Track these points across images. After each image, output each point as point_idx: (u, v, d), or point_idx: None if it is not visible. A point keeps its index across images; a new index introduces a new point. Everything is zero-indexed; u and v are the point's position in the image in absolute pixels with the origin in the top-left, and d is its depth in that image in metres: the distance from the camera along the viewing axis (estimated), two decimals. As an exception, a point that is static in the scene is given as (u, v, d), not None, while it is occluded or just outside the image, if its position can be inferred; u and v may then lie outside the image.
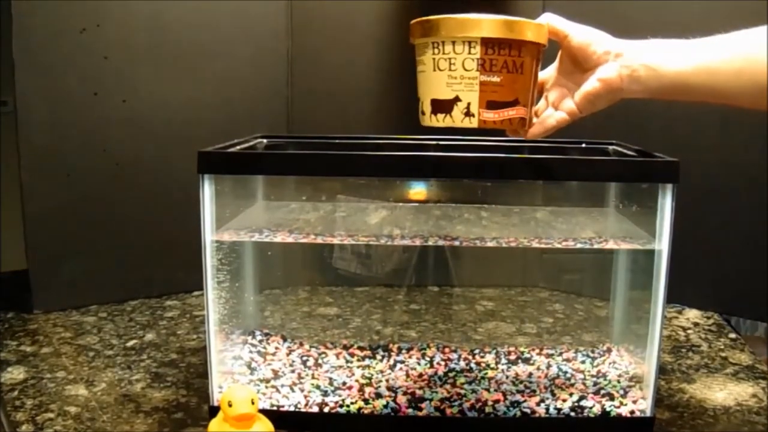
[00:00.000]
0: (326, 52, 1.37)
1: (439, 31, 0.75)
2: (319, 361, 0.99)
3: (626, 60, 0.73)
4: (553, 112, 0.78)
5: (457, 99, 0.76)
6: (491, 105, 0.75)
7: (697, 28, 0.73)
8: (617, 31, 0.76)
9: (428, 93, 0.78)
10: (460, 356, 1.01)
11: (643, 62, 0.73)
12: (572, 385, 0.91)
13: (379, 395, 0.87)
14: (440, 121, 0.77)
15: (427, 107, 0.78)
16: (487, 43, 0.74)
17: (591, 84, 0.75)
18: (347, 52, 1.37)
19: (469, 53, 0.75)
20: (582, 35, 0.75)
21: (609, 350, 1.02)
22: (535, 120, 0.79)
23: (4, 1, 1.11)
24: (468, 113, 0.76)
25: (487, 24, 0.74)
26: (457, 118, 0.76)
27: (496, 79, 0.75)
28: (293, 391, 0.88)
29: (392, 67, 1.37)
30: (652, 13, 1.22)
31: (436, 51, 0.76)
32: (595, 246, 0.89)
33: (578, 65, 0.77)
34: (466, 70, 0.75)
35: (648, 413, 0.84)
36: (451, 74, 0.76)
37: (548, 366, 0.98)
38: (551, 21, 0.76)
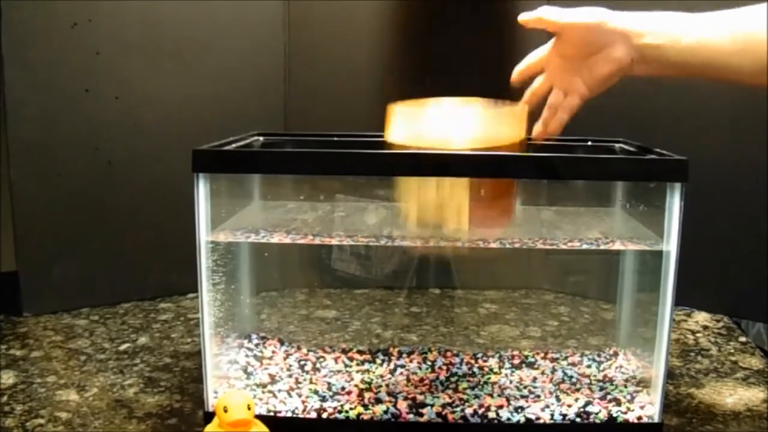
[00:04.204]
0: (324, 48, 1.36)
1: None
2: (317, 365, 0.97)
3: (633, 39, 0.73)
4: (562, 103, 0.78)
5: (447, 206, 0.79)
6: (480, 208, 0.79)
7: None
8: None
9: (415, 199, 0.81)
10: (462, 360, 0.99)
11: (648, 41, 0.73)
12: (578, 389, 0.90)
13: (378, 400, 0.86)
14: (429, 227, 0.80)
15: (413, 213, 0.81)
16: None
17: (601, 68, 0.75)
18: (345, 48, 1.36)
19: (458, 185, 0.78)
20: (579, 29, 0.75)
21: (615, 354, 1.01)
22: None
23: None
24: (458, 219, 0.79)
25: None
26: (447, 224, 0.80)
27: (484, 196, 0.79)
28: (290, 396, 0.87)
29: (392, 62, 1.36)
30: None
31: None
32: (602, 247, 0.87)
33: (582, 49, 0.76)
34: (454, 195, 0.79)
35: (656, 419, 0.83)
36: (440, 196, 0.79)
37: (553, 370, 0.96)
38: (546, 16, 0.75)
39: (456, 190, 0.79)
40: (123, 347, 1.07)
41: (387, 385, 0.91)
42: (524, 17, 0.78)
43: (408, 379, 0.93)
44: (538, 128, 0.85)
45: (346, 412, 0.84)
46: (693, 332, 1.17)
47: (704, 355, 1.08)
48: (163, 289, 1.30)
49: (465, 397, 0.87)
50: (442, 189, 0.79)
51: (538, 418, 0.83)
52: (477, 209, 0.80)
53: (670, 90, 1.22)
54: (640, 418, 0.83)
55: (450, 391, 0.89)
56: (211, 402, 0.84)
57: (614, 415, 0.83)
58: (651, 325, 0.83)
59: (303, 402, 0.85)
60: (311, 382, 0.91)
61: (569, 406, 0.85)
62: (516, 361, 0.99)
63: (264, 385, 0.90)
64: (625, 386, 0.90)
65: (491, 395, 0.88)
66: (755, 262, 1.20)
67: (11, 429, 0.81)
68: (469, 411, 0.84)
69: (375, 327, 1.18)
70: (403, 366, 0.97)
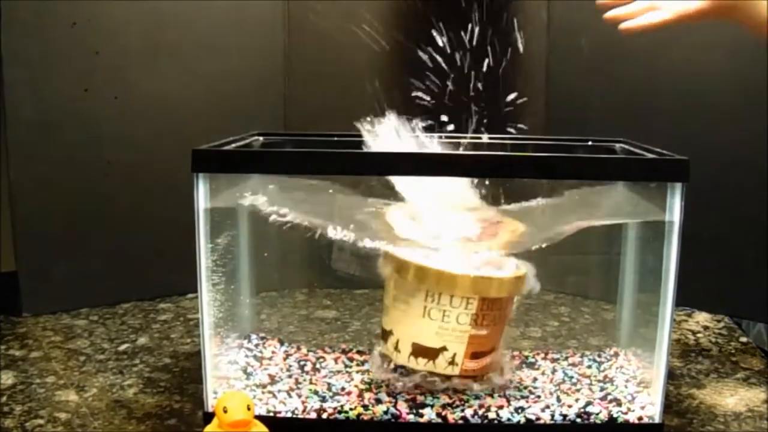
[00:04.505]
0: (324, 48, 1.35)
1: (439, 284, 0.78)
2: (317, 365, 0.97)
3: None
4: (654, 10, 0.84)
5: (443, 348, 0.80)
6: (474, 355, 0.80)
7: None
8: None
9: (410, 335, 0.81)
10: (462, 360, 0.99)
11: None
12: (578, 390, 0.89)
13: (378, 401, 0.86)
14: (420, 365, 0.81)
15: (405, 347, 0.81)
16: (484, 300, 0.78)
17: (695, 2, 0.81)
18: (345, 48, 1.36)
19: (466, 308, 0.78)
20: None
21: (616, 354, 1.00)
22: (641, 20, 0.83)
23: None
24: (452, 362, 0.80)
25: (489, 285, 0.78)
26: (440, 366, 0.81)
27: (483, 332, 0.80)
28: (290, 396, 0.87)
29: (392, 62, 1.35)
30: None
31: (429, 300, 0.79)
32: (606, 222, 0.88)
33: None
34: (459, 323, 0.79)
35: (656, 419, 0.82)
36: (443, 325, 0.79)
37: (553, 371, 0.96)
38: None
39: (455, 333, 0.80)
40: (122, 347, 1.07)
41: (387, 385, 0.90)
42: None
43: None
44: (618, 12, 0.86)
45: (346, 412, 0.83)
46: (694, 332, 1.17)
47: (705, 355, 1.08)
48: (163, 289, 1.30)
49: (465, 397, 0.86)
50: (443, 329, 0.79)
51: (538, 419, 0.83)
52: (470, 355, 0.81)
53: (670, 90, 1.22)
54: (640, 418, 0.83)
55: (450, 392, 0.88)
56: (211, 402, 0.83)
57: (615, 415, 0.83)
58: (651, 325, 0.83)
59: (303, 402, 0.85)
60: (311, 383, 0.91)
61: (570, 406, 0.84)
62: (516, 362, 0.99)
63: (264, 386, 0.89)
64: (626, 387, 0.90)
65: (491, 395, 0.87)
66: (755, 262, 1.19)
67: (10, 429, 0.81)
68: (469, 411, 0.83)
69: (375, 327, 1.17)
70: (403, 366, 0.97)
